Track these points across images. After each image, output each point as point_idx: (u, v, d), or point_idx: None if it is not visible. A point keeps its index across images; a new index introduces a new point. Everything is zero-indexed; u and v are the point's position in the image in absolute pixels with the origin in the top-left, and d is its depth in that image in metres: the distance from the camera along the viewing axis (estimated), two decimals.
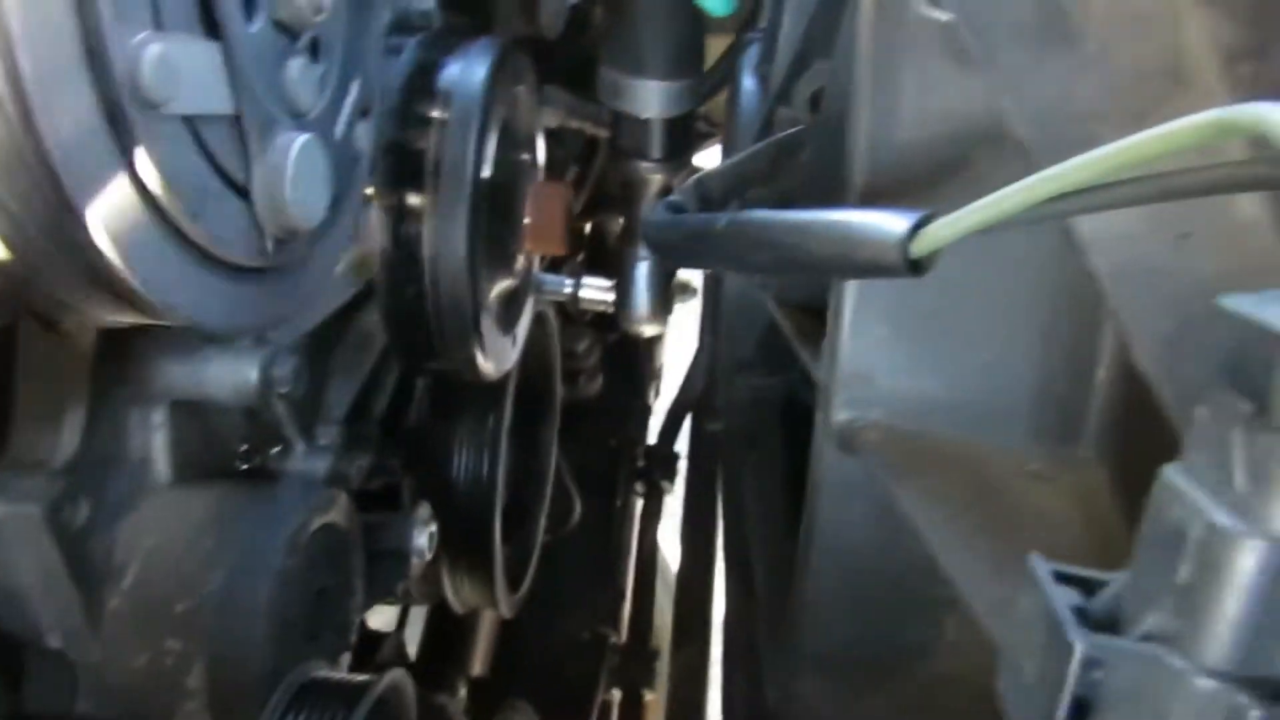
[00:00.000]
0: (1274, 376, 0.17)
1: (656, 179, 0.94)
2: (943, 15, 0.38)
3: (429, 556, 0.88)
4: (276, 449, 0.79)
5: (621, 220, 1.55)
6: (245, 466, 0.78)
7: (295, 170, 0.41)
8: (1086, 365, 0.36)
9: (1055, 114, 0.34)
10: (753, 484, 0.67)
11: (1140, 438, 0.33)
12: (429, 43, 0.78)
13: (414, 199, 0.74)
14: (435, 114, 0.73)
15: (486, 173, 0.76)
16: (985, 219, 0.28)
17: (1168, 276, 0.28)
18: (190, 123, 0.37)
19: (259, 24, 0.39)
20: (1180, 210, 0.28)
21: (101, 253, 0.34)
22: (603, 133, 1.44)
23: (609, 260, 1.69)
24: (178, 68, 0.34)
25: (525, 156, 0.88)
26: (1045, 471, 0.37)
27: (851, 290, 0.40)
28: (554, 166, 1.16)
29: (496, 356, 0.83)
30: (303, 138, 0.42)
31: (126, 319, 0.41)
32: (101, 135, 0.33)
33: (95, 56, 0.32)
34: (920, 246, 0.29)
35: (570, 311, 1.50)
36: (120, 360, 0.65)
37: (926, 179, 0.39)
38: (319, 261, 0.50)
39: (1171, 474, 0.20)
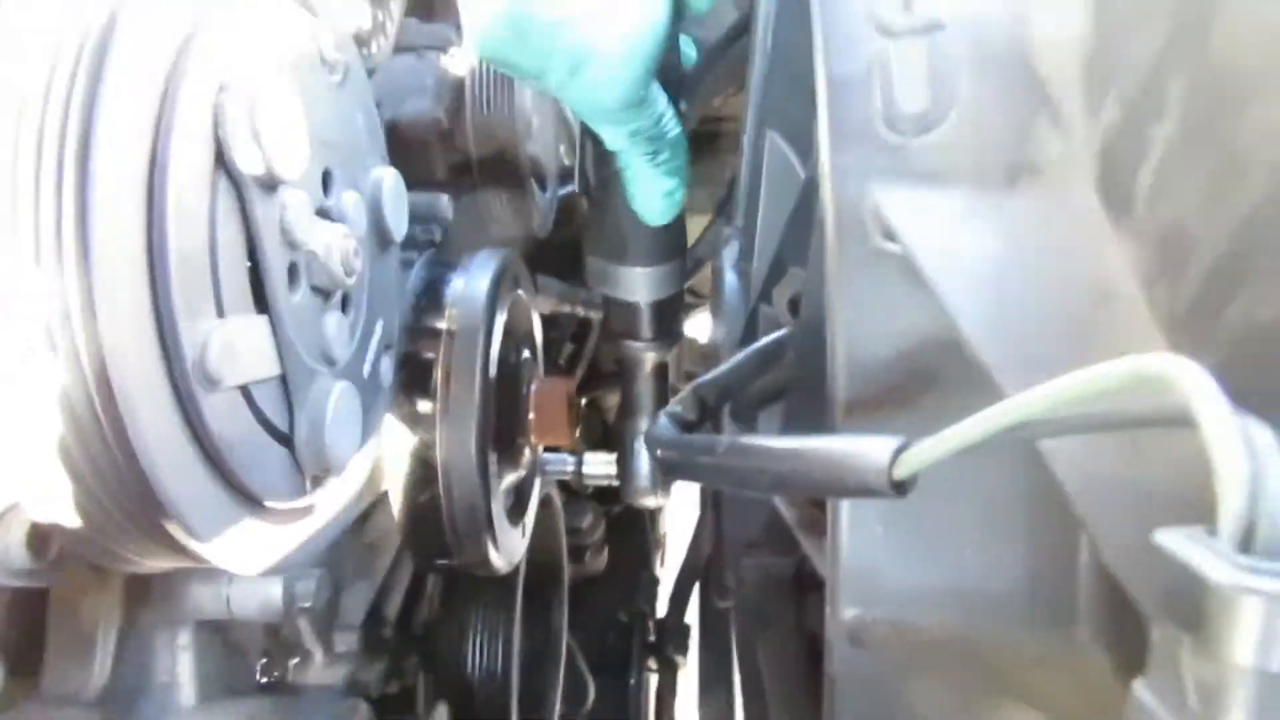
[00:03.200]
0: (1202, 615, 0.20)
1: (650, 356, 1.00)
2: (896, 248, 0.43)
3: None
4: (295, 660, 0.79)
5: (618, 397, 1.60)
6: (265, 680, 0.79)
7: (333, 416, 0.45)
8: (1069, 554, 0.39)
9: (1003, 334, 0.39)
10: (770, 664, 0.68)
11: (1131, 619, 0.36)
12: (434, 259, 0.85)
13: (425, 407, 0.78)
14: (443, 326, 0.79)
15: (492, 374, 0.81)
16: (956, 444, 0.32)
17: (1126, 486, 0.32)
18: (244, 388, 0.41)
19: (299, 293, 0.45)
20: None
21: (169, 515, 0.37)
22: (594, 314, 1.52)
23: (607, 434, 1.74)
24: (236, 348, 0.39)
25: (526, 353, 0.93)
26: (1046, 657, 0.39)
27: None
28: (549, 348, 1.22)
29: (508, 550, 0.85)
30: (340, 385, 0.46)
31: (174, 565, 0.44)
32: (171, 413, 0.37)
33: (168, 347, 0.36)
34: (901, 470, 0.33)
35: (573, 486, 1.53)
36: (148, 588, 0.67)
37: (902, 392, 0.43)
38: (347, 490, 0.53)
39: (1139, 690, 0.23)
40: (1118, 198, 0.40)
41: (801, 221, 0.61)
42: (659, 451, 0.46)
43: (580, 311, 1.44)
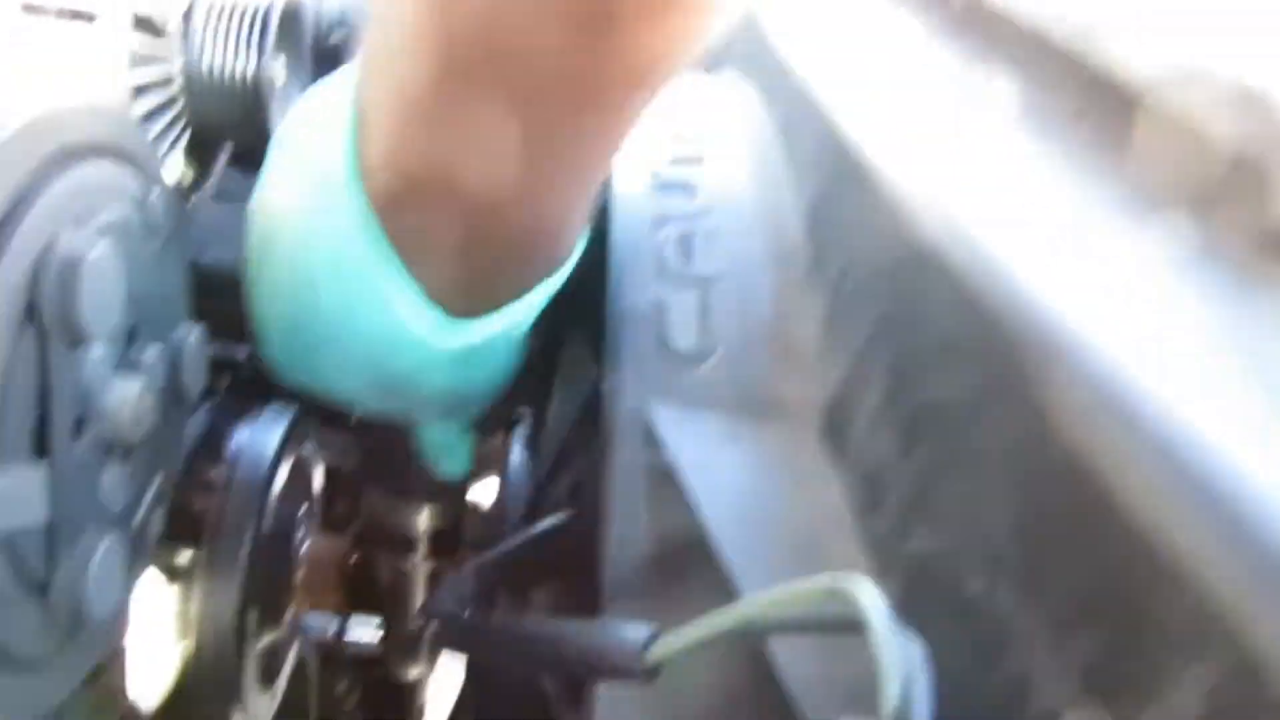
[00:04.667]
0: None
1: (424, 566, 1.01)
2: (664, 460, 0.50)
3: None
4: None
5: (388, 559, 1.56)
6: None
7: (95, 571, 0.44)
8: None
9: (745, 545, 0.45)
10: None
11: None
12: (218, 406, 0.84)
13: (186, 558, 0.75)
14: (221, 478, 0.77)
15: (265, 531, 0.79)
16: (695, 638, 0.37)
17: (836, 683, 0.39)
18: (4, 535, 0.40)
19: (83, 445, 0.45)
20: None
21: None
22: None
23: (373, 593, 1.67)
24: (7, 496, 0.38)
25: (303, 510, 0.92)
26: None
27: None
28: (326, 500, 1.19)
29: (253, 718, 0.80)
30: (107, 540, 0.45)
31: None
32: None
33: None
34: (652, 657, 0.38)
35: (332, 649, 1.45)
36: None
37: (660, 586, 0.48)
38: (96, 644, 0.51)
39: None
40: (838, 441, 0.49)
41: (587, 421, 0.67)
42: (436, 625, 0.48)
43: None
